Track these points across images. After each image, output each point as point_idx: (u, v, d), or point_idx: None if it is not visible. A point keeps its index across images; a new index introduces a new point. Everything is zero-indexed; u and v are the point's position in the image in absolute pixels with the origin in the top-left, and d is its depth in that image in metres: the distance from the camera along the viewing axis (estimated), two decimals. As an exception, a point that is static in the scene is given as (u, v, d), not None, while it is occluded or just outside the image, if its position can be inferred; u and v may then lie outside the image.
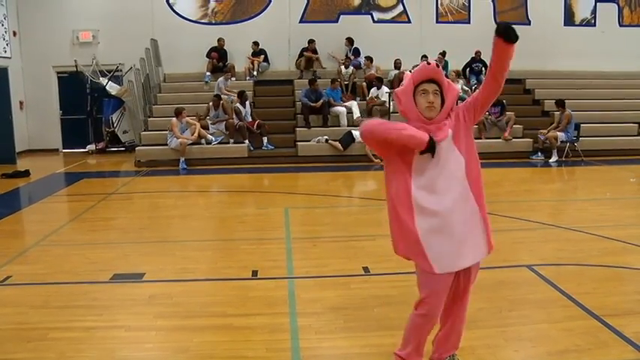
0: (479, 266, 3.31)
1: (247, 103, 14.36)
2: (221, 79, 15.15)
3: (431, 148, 3.02)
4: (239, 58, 16.44)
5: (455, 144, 3.11)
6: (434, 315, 3.25)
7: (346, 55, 16.33)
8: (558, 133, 13.59)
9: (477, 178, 3.16)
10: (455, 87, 3.18)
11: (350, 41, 16.49)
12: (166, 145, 13.28)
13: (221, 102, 13.90)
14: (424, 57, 15.94)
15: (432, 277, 3.14)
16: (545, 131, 13.71)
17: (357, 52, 16.48)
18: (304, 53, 16.43)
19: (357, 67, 16.22)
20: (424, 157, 3.05)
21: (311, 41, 16.38)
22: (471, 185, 3.12)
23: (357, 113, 14.50)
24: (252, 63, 16.27)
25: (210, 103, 13.86)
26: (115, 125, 16.02)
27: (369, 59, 16.05)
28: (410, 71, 3.35)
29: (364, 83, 15.51)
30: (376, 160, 12.96)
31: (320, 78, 15.82)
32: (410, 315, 3.35)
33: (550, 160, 13.50)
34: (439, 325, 3.44)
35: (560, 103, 13.91)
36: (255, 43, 16.28)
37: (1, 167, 12.60)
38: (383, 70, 15.99)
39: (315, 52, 16.48)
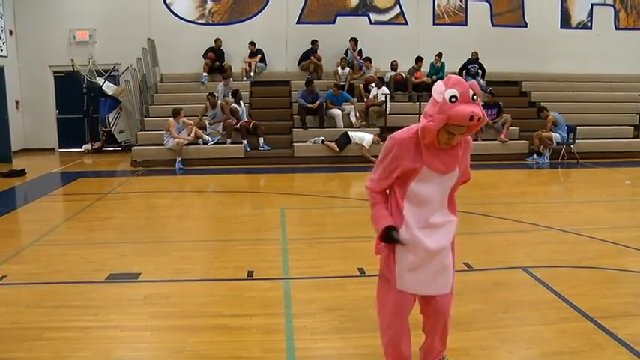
0: (450, 298, 3.27)
1: (241, 102, 14.37)
2: (220, 85, 15.00)
3: (387, 238, 3.06)
4: (236, 59, 16.45)
5: (457, 173, 3.09)
6: (394, 333, 3.21)
7: (343, 57, 16.31)
8: (553, 134, 13.63)
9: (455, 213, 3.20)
10: (486, 118, 2.95)
11: (355, 42, 16.48)
12: (163, 145, 13.28)
13: (219, 102, 13.89)
14: (419, 59, 16.01)
15: (392, 290, 3.16)
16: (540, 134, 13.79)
17: (360, 53, 16.52)
18: (312, 57, 16.38)
19: (360, 67, 16.27)
20: (419, 189, 3.02)
21: (314, 42, 16.37)
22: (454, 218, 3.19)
23: (354, 119, 14.50)
24: (249, 64, 16.27)
25: (207, 103, 13.84)
26: (111, 125, 16.01)
27: (369, 60, 16.07)
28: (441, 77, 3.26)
29: (361, 85, 15.52)
30: (373, 158, 13.01)
31: (320, 79, 15.86)
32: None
33: (539, 160, 13.55)
34: (424, 334, 3.41)
35: (542, 109, 14.03)
36: (252, 44, 16.29)
37: (-3, 166, 12.59)
38: (380, 71, 16.01)
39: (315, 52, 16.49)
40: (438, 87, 2.85)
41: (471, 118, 2.75)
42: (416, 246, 3.04)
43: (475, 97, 2.80)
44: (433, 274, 3.11)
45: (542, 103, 15.35)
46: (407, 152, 2.96)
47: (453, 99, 2.76)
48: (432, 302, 3.20)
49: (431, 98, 2.92)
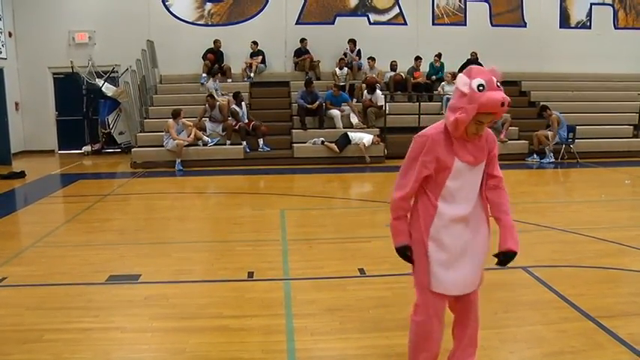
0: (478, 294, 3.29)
1: (243, 103, 14.38)
2: (210, 81, 15.12)
3: (401, 255, 3.16)
4: (235, 60, 16.45)
5: (484, 167, 3.13)
6: (429, 325, 3.17)
7: (342, 57, 16.31)
8: (549, 132, 13.67)
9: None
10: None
11: (354, 43, 16.50)
12: (162, 146, 13.28)
13: (217, 103, 13.90)
14: (417, 58, 16.01)
15: (427, 292, 3.14)
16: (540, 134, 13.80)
17: (359, 54, 16.54)
18: (304, 57, 16.44)
19: (358, 68, 16.28)
20: (454, 185, 3.03)
21: (302, 40, 16.41)
22: (486, 215, 3.17)
23: (354, 119, 14.50)
24: (250, 65, 16.27)
25: (206, 105, 13.85)
26: (110, 126, 16.02)
27: (373, 59, 16.06)
28: (461, 70, 3.24)
29: (362, 85, 15.51)
30: (369, 159, 13.08)
31: (319, 79, 15.87)
32: (410, 321, 3.30)
33: (542, 160, 13.57)
34: (453, 341, 3.38)
35: (545, 109, 14.01)
36: (255, 43, 16.30)
37: (-3, 168, 12.57)
38: (381, 72, 16.02)
39: (308, 52, 16.51)
40: (462, 79, 2.89)
41: (502, 104, 2.81)
42: (448, 244, 3.05)
43: (499, 83, 2.86)
44: (464, 275, 3.10)
45: (542, 103, 15.37)
46: (439, 146, 2.98)
47: (481, 87, 2.82)
48: (462, 298, 3.21)
49: (455, 91, 2.95)
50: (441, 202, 3.05)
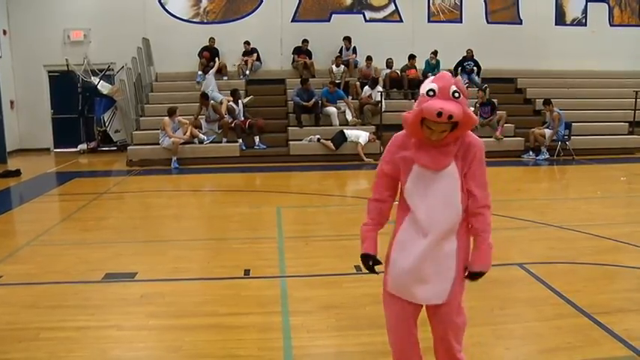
0: (453, 310, 2.95)
1: (240, 101, 14.37)
2: (205, 78, 15.09)
3: (365, 265, 3.05)
4: (231, 58, 16.42)
5: (457, 177, 2.87)
6: (394, 344, 3.01)
7: (338, 55, 16.30)
8: (545, 130, 13.70)
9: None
10: (473, 118, 2.74)
11: (349, 40, 16.47)
12: (158, 144, 13.26)
13: (210, 102, 13.87)
14: (412, 56, 16.00)
15: (387, 294, 2.99)
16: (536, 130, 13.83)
17: (354, 51, 16.52)
18: (296, 58, 16.42)
19: (355, 65, 16.27)
20: (414, 185, 2.87)
21: (305, 41, 16.38)
22: (460, 226, 2.92)
23: (349, 116, 14.51)
24: (246, 62, 16.23)
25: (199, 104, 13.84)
26: (106, 125, 15.97)
27: (369, 59, 16.00)
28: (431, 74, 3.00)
29: (357, 82, 15.52)
30: (368, 160, 13.03)
31: (314, 77, 15.85)
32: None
33: (538, 157, 13.60)
34: None
35: (548, 102, 14.01)
36: (247, 43, 16.26)
37: (-8, 167, 12.55)
38: (377, 70, 16.00)
39: (309, 53, 16.47)
40: (426, 81, 2.80)
41: (439, 114, 2.57)
42: (408, 248, 2.90)
43: (457, 94, 2.66)
44: (420, 278, 2.88)
45: (537, 100, 15.41)
46: (399, 147, 2.91)
47: (431, 93, 2.66)
48: (429, 309, 2.99)
49: None
50: (410, 205, 2.91)
